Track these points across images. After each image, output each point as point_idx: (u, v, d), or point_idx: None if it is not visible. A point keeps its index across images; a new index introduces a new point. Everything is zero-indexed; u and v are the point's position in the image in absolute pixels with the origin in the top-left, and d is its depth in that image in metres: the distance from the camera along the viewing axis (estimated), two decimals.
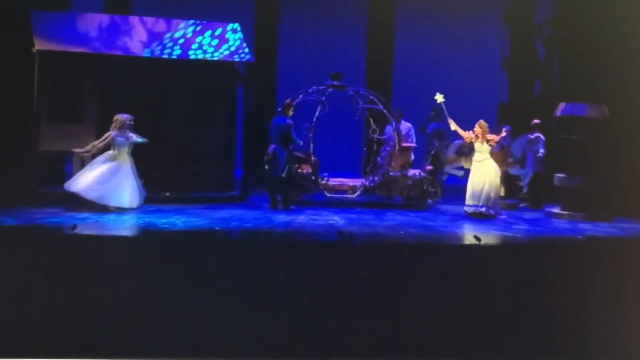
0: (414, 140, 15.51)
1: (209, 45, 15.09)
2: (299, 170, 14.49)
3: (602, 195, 14.22)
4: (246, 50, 15.25)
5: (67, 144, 14.20)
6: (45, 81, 13.80)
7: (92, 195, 12.69)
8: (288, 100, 14.15)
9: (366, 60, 18.85)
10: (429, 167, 15.18)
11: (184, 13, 16.04)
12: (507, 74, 18.98)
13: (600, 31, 15.89)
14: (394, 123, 15.02)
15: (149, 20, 15.10)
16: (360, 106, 15.17)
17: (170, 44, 14.86)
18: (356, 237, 11.10)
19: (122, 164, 12.87)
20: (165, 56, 14.66)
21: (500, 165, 14.71)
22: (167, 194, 14.13)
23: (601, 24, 15.89)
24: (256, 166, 15.28)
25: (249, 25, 17.35)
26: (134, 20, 15.09)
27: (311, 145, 14.57)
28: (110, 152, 12.92)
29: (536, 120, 15.58)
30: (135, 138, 12.96)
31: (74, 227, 10.61)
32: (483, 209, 13.68)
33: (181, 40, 15.00)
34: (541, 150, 15.31)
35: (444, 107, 14.12)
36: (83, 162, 14.41)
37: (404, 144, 15.07)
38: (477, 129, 13.90)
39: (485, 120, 14.13)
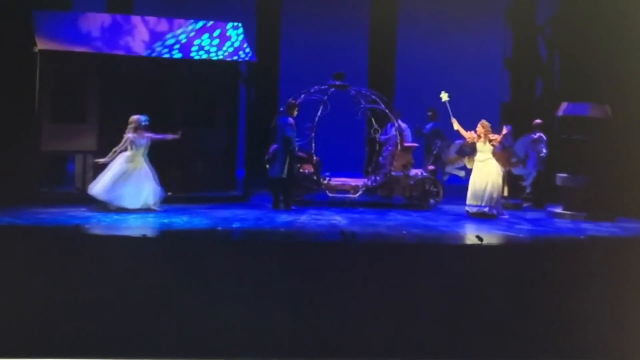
0: (410, 140, 15.51)
1: (211, 45, 15.08)
2: (301, 170, 14.49)
3: (604, 195, 14.21)
4: (248, 50, 15.24)
5: (69, 144, 14.22)
6: (47, 81, 13.79)
7: (108, 198, 12.74)
8: (292, 100, 14.15)
9: (368, 60, 18.83)
10: (431, 167, 15.17)
11: (185, 13, 16.02)
12: (509, 74, 18.95)
13: (602, 31, 15.86)
14: (394, 122, 15.01)
15: (151, 19, 15.10)
16: (362, 106, 15.17)
17: (172, 44, 14.85)
18: (358, 237, 11.10)
19: (138, 165, 12.89)
20: (167, 56, 14.65)
21: (503, 165, 14.72)
22: (169, 193, 14.10)
23: (603, 24, 15.87)
24: (258, 166, 15.28)
25: (251, 25, 17.35)
26: (136, 20, 15.08)
27: (313, 145, 14.57)
28: (126, 153, 12.93)
29: (538, 120, 15.57)
30: (152, 136, 13.00)
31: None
32: (486, 209, 13.68)
33: (183, 40, 14.99)
34: (544, 150, 15.30)
35: (448, 105, 14.10)
36: (86, 163, 14.44)
37: (406, 144, 15.07)
38: (479, 128, 13.91)
39: (487, 120, 14.14)
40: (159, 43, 14.80)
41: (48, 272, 9.17)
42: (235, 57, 15.07)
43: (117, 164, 12.89)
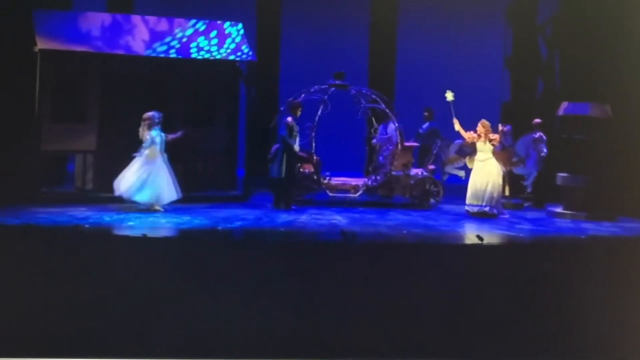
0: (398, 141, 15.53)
1: (211, 44, 15.07)
2: (301, 170, 14.49)
3: (604, 195, 14.20)
4: (248, 49, 15.23)
5: (69, 144, 14.22)
6: (48, 80, 13.78)
7: (128, 195, 12.79)
8: (296, 100, 14.17)
9: (368, 60, 18.82)
10: (432, 167, 15.17)
11: (186, 12, 16.02)
12: (510, 74, 18.94)
13: (603, 30, 15.85)
14: (390, 123, 15.01)
15: (151, 19, 15.09)
16: (362, 105, 15.17)
17: (172, 43, 14.84)
18: (359, 237, 11.09)
19: (155, 162, 12.89)
20: (168, 55, 14.64)
21: (504, 165, 14.72)
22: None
23: (604, 23, 15.86)
24: (258, 166, 15.28)
25: (251, 25, 17.33)
26: (136, 19, 15.07)
27: (313, 144, 14.57)
28: (144, 151, 12.92)
29: (537, 120, 15.56)
30: (165, 136, 13.04)
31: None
32: (487, 209, 13.68)
33: (183, 40, 14.98)
34: (544, 150, 15.29)
35: (452, 105, 14.09)
36: (86, 162, 14.45)
37: (407, 144, 15.07)
38: (479, 128, 13.91)
39: (488, 120, 14.13)
40: (159, 43, 14.79)
41: (48, 272, 9.16)
42: (235, 57, 15.06)
43: (136, 163, 12.90)
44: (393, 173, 14.78)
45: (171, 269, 9.41)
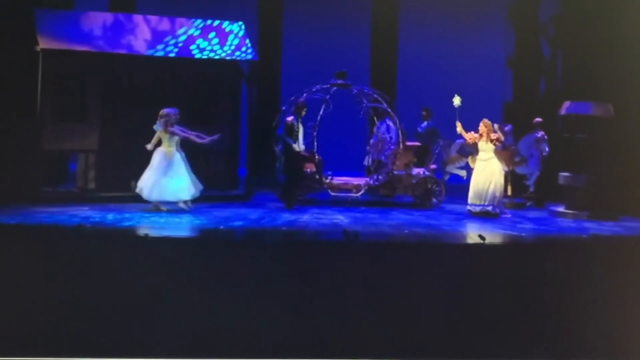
0: (395, 139, 15.53)
1: (213, 44, 15.08)
2: (303, 170, 14.49)
3: (606, 194, 14.19)
4: (250, 49, 15.24)
5: (71, 143, 14.23)
6: (49, 80, 13.78)
7: (150, 195, 12.84)
8: (300, 101, 14.21)
9: (370, 59, 18.80)
10: (433, 166, 15.17)
11: (187, 12, 16.01)
12: (512, 73, 18.92)
13: (605, 29, 15.84)
14: (388, 120, 15.03)
15: (153, 19, 15.09)
16: (364, 105, 15.17)
17: (174, 43, 14.85)
18: (360, 236, 11.09)
19: (172, 159, 12.88)
20: (169, 55, 14.64)
21: (507, 164, 14.71)
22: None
23: (606, 22, 15.85)
24: (260, 165, 15.28)
25: (253, 24, 17.33)
26: (138, 19, 15.07)
27: (315, 144, 14.57)
28: (160, 148, 12.92)
29: (538, 119, 15.55)
30: (180, 132, 13.02)
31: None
32: (489, 208, 13.68)
33: (185, 39, 14.98)
34: (546, 149, 15.28)
35: (457, 110, 14.08)
36: (87, 162, 14.45)
37: (408, 143, 15.07)
38: (481, 127, 13.90)
39: (490, 119, 14.13)
40: (161, 42, 14.79)
41: (49, 271, 9.16)
42: (236, 56, 15.06)
43: (154, 161, 12.91)
44: (395, 172, 14.78)
45: (172, 268, 9.41)
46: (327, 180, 14.70)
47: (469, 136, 13.99)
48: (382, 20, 18.69)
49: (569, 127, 14.60)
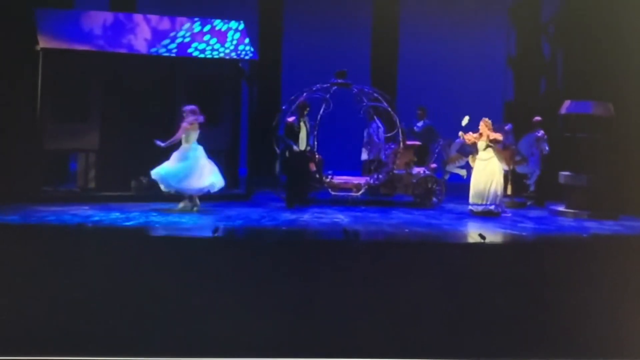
0: (382, 140, 15.59)
1: (213, 43, 15.07)
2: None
3: (607, 194, 14.19)
4: (250, 48, 15.23)
5: (71, 143, 14.23)
6: (50, 79, 13.78)
7: (178, 187, 12.87)
8: (302, 100, 14.23)
9: (371, 58, 18.81)
10: (434, 165, 15.17)
11: (188, 11, 16.02)
12: (513, 73, 18.92)
13: (606, 29, 15.83)
14: (378, 122, 15.07)
15: (153, 18, 15.09)
16: (364, 104, 15.17)
17: (174, 42, 14.84)
18: (361, 235, 11.09)
19: (191, 153, 12.90)
20: (170, 54, 14.64)
21: (507, 164, 14.72)
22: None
23: (607, 22, 15.84)
24: (260, 164, 15.28)
25: (253, 23, 17.34)
26: (138, 18, 15.07)
27: (315, 143, 14.57)
28: (182, 145, 12.95)
29: (537, 118, 15.54)
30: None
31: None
32: (492, 207, 13.69)
33: (185, 39, 14.97)
34: (546, 148, 15.28)
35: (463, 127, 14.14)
36: (88, 161, 14.45)
37: (409, 142, 15.08)
38: (482, 126, 13.90)
39: (490, 119, 14.13)
40: (161, 41, 14.79)
41: (49, 270, 9.17)
42: (237, 55, 15.06)
43: (177, 157, 12.94)
44: (395, 172, 14.78)
45: (172, 268, 9.41)
46: (328, 180, 14.70)
47: (469, 137, 13.98)
48: (382, 20, 18.69)
49: (569, 126, 14.61)
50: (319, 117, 14.53)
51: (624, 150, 14.86)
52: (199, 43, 14.99)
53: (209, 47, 14.97)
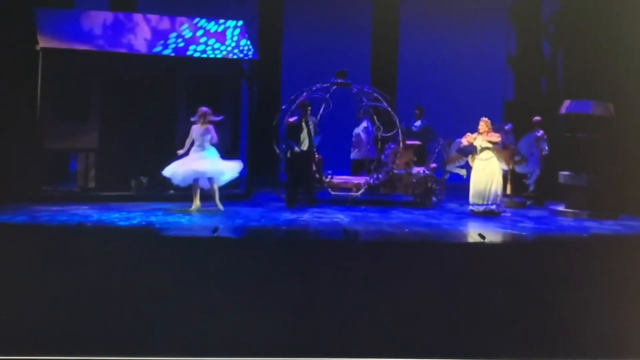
0: (370, 139, 15.63)
1: (213, 42, 15.07)
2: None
3: (607, 193, 14.18)
4: (250, 47, 15.23)
5: (71, 142, 14.23)
6: (50, 79, 13.78)
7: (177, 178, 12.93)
8: (304, 99, 14.25)
9: (371, 58, 18.80)
10: (433, 165, 15.17)
11: (188, 11, 16.02)
12: (513, 72, 18.92)
13: (606, 29, 15.82)
14: (367, 121, 15.22)
15: (153, 18, 15.09)
16: (364, 104, 15.16)
17: (174, 42, 14.84)
18: (361, 235, 11.09)
19: (201, 153, 12.91)
20: (170, 54, 14.64)
21: (507, 164, 14.72)
22: (172, 191, 14.12)
23: (607, 22, 15.83)
24: (261, 164, 15.28)
25: (253, 23, 17.33)
26: (138, 18, 15.07)
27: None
28: (194, 146, 12.97)
29: (537, 118, 15.54)
30: (214, 133, 13.06)
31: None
32: (493, 207, 13.69)
33: (185, 38, 14.97)
34: (546, 148, 15.28)
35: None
36: (88, 161, 14.45)
37: (408, 142, 15.08)
38: (482, 125, 13.88)
39: (490, 119, 14.12)
40: (161, 41, 14.79)
41: (49, 270, 9.16)
42: (237, 55, 15.06)
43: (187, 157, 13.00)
44: (395, 171, 14.78)
45: (173, 267, 9.41)
46: (327, 180, 14.70)
47: (469, 139, 13.94)
48: (382, 20, 18.68)
49: (569, 126, 14.60)
50: (318, 117, 14.55)
51: (624, 150, 14.85)
52: (199, 43, 14.98)
53: (209, 47, 14.97)
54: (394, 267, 9.83)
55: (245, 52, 15.13)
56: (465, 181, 14.43)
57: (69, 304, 8.93)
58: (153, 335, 8.85)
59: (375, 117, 15.39)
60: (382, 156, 15.17)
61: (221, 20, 15.46)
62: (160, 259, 9.57)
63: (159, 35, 14.87)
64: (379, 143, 15.19)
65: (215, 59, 14.86)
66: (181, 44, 14.85)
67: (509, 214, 13.88)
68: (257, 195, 14.84)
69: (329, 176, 14.79)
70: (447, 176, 15.86)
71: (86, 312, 8.89)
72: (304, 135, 14.03)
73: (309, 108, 14.20)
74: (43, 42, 13.69)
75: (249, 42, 15.32)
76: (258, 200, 14.55)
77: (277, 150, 14.65)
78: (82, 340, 8.69)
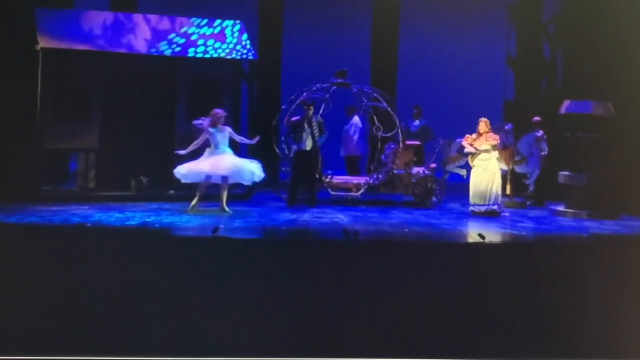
0: (360, 136, 15.64)
1: (213, 42, 15.08)
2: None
3: (607, 193, 14.18)
4: (250, 47, 15.24)
5: (71, 142, 14.23)
6: (50, 79, 13.79)
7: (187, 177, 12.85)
8: (306, 99, 14.27)
9: (371, 58, 18.79)
10: (433, 165, 15.17)
11: (188, 11, 16.02)
12: (513, 72, 18.92)
13: (606, 29, 15.83)
14: (356, 118, 15.29)
15: (153, 17, 15.09)
16: (364, 104, 15.17)
17: (174, 42, 14.85)
18: (361, 235, 11.09)
19: (216, 154, 12.87)
20: (169, 54, 14.64)
21: (507, 164, 14.72)
22: (172, 191, 14.13)
23: (607, 22, 15.83)
24: (260, 164, 15.24)
25: (253, 23, 17.32)
26: (138, 17, 15.07)
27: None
28: (208, 148, 12.94)
29: (537, 118, 15.54)
30: (230, 131, 13.01)
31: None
32: (495, 207, 13.69)
33: (185, 38, 14.98)
34: (546, 148, 15.28)
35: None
36: (88, 161, 14.45)
37: (408, 142, 15.09)
38: (482, 126, 13.87)
39: (490, 119, 14.13)
40: (161, 41, 14.80)
41: (49, 270, 9.17)
42: (237, 55, 15.06)
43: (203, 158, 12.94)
44: (395, 171, 14.79)
45: (172, 267, 9.41)
46: (327, 180, 14.70)
47: (469, 141, 13.92)
48: (382, 19, 18.66)
49: (569, 125, 14.61)
50: (318, 116, 14.55)
51: (623, 150, 14.85)
52: (199, 43, 14.99)
53: (209, 47, 14.98)
54: (394, 267, 9.83)
55: (245, 52, 15.14)
56: (465, 181, 14.42)
57: (69, 304, 8.94)
58: (153, 336, 8.86)
59: (375, 117, 15.38)
60: (382, 156, 15.17)
61: (221, 21, 15.45)
62: (160, 259, 9.57)
63: (159, 35, 14.87)
64: (379, 143, 15.18)
65: (215, 59, 14.87)
66: (181, 44, 14.85)
67: (507, 214, 13.88)
68: (257, 195, 14.84)
69: (329, 176, 14.79)
70: (447, 176, 15.86)
71: (86, 312, 8.89)
72: (306, 134, 14.03)
73: (312, 107, 14.19)
74: (43, 42, 13.69)
75: (248, 42, 15.32)
76: (258, 200, 14.55)
77: (277, 150, 14.65)
78: (82, 340, 8.70)
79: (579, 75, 16.74)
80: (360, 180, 15.00)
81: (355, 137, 16.04)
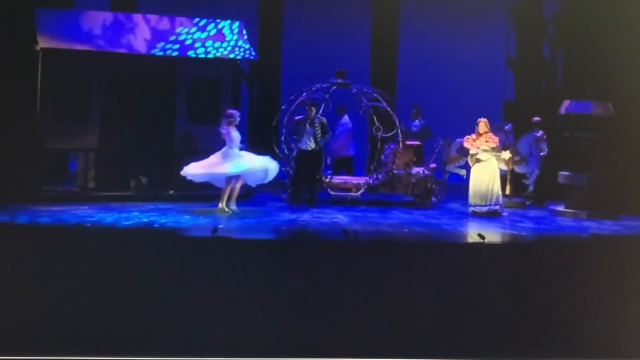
0: (349, 135, 15.66)
1: (213, 42, 15.08)
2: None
3: (606, 193, 14.18)
4: (250, 47, 15.23)
5: (71, 142, 14.23)
6: (49, 79, 13.79)
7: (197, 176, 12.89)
8: (308, 99, 14.28)
9: (371, 58, 18.80)
10: (433, 165, 15.17)
11: (187, 11, 16.02)
12: (513, 72, 18.92)
13: (606, 29, 15.83)
14: (346, 116, 15.30)
15: (153, 18, 15.09)
16: (364, 104, 15.16)
17: (173, 42, 14.84)
18: (360, 235, 11.09)
19: (231, 155, 12.86)
20: (170, 54, 14.64)
21: (506, 164, 14.72)
22: (171, 191, 14.14)
23: (607, 22, 15.84)
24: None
25: (253, 23, 17.32)
26: (138, 18, 15.07)
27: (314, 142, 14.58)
28: (226, 148, 12.94)
29: (536, 118, 15.54)
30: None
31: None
32: (497, 207, 13.69)
33: (185, 38, 14.97)
34: (545, 148, 15.28)
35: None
36: (88, 161, 14.46)
37: (408, 142, 15.09)
38: (482, 126, 13.87)
39: (490, 119, 14.13)
40: (161, 41, 14.79)
41: (49, 270, 9.17)
42: (236, 55, 15.06)
43: (214, 158, 12.93)
44: (395, 172, 14.79)
45: (172, 267, 9.42)
46: (327, 180, 14.71)
47: (470, 142, 13.91)
48: (382, 19, 18.67)
49: (569, 126, 14.61)
50: (321, 117, 14.56)
51: (623, 150, 14.85)
52: (199, 43, 14.98)
53: (209, 47, 14.98)
54: (394, 267, 9.83)
55: (245, 52, 15.14)
56: (465, 181, 14.42)
57: (69, 304, 8.94)
58: (153, 336, 8.86)
59: (375, 117, 15.38)
60: (382, 156, 15.17)
61: (221, 21, 15.45)
62: (160, 259, 9.57)
63: (159, 36, 14.87)
64: (379, 143, 15.18)
65: (215, 59, 14.87)
66: (181, 44, 14.84)
67: (505, 214, 13.88)
68: (257, 195, 14.84)
69: (329, 176, 14.80)
70: (446, 176, 15.86)
71: (86, 312, 8.90)
72: (307, 134, 14.02)
73: (313, 107, 14.17)
74: (43, 42, 13.70)
75: (248, 42, 15.32)
76: (258, 200, 14.55)
77: (277, 150, 14.65)
78: (82, 340, 8.70)
79: (579, 76, 16.74)
80: (360, 180, 15.00)
81: (342, 137, 15.97)
